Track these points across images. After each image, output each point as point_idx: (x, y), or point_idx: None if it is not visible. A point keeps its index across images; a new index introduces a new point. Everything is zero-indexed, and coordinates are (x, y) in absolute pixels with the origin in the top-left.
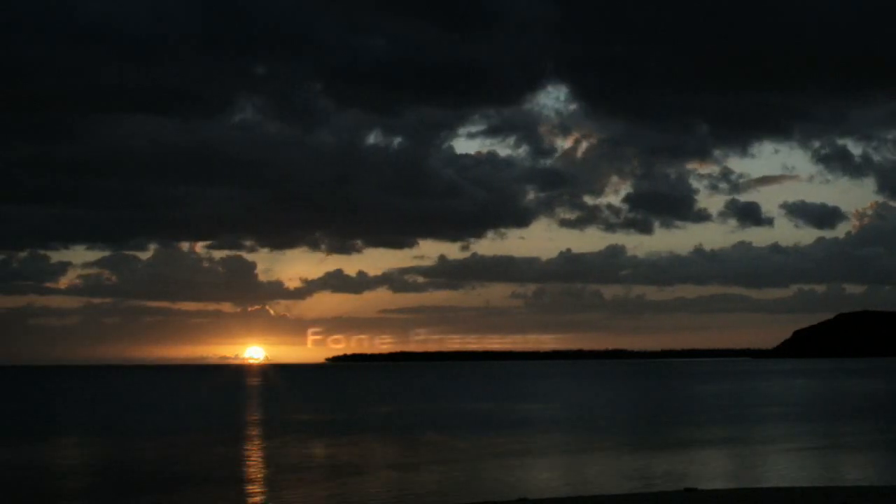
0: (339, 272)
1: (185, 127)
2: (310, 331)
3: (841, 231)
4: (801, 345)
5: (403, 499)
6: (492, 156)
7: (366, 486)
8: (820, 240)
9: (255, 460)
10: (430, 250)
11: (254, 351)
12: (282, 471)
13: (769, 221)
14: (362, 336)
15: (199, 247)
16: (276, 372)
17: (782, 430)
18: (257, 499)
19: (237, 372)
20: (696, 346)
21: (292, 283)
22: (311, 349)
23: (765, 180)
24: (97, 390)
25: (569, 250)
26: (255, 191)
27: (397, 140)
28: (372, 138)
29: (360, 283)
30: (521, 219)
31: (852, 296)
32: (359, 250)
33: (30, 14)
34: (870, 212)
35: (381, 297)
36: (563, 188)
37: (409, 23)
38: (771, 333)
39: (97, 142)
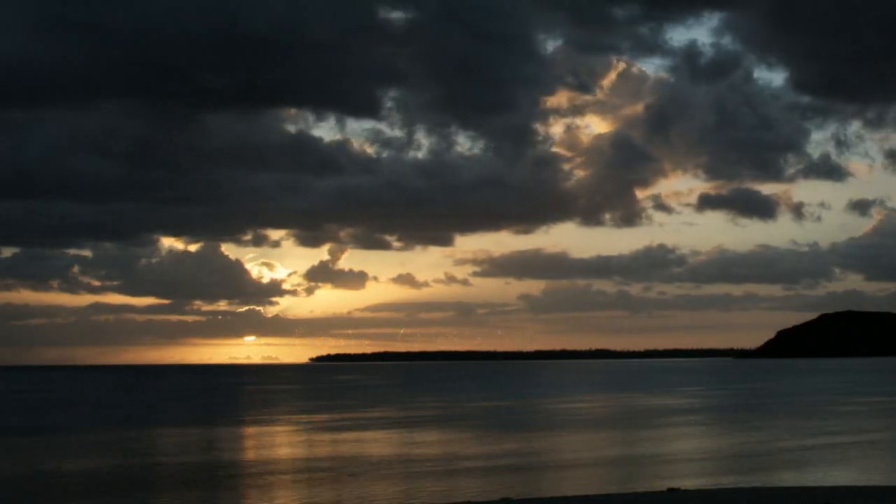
0: (354, 271)
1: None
2: (299, 330)
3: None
4: (785, 345)
5: (395, 497)
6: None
7: (363, 486)
8: (850, 239)
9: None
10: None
11: (251, 351)
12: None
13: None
14: (350, 335)
15: (217, 244)
16: (259, 371)
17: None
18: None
19: (225, 373)
20: (679, 347)
21: (300, 282)
22: (299, 348)
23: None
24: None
25: (599, 255)
26: (319, 189)
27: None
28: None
29: (371, 282)
30: (580, 215)
31: (837, 295)
32: (390, 248)
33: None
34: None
35: (384, 296)
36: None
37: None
38: (753, 333)
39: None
